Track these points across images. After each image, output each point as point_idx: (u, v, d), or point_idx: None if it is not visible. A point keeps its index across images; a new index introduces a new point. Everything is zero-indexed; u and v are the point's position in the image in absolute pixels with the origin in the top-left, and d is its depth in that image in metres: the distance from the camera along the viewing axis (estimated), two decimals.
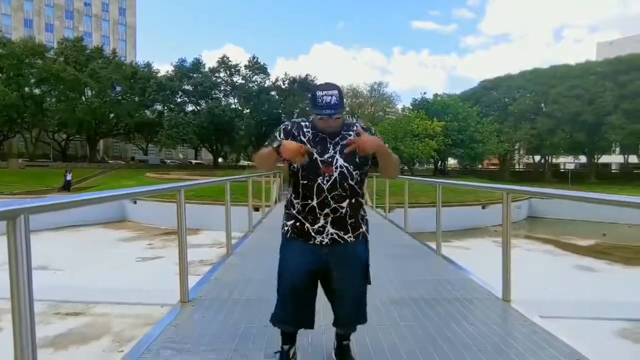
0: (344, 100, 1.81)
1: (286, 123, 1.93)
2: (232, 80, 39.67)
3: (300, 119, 1.91)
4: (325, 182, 1.80)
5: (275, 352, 2.06)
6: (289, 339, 2.03)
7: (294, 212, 1.89)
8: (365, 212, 1.97)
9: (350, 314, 1.94)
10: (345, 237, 1.86)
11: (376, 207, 10.15)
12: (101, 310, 5.69)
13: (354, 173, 1.83)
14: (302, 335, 2.15)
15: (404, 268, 4.30)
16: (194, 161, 52.03)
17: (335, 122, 1.79)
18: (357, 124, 1.90)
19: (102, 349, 4.58)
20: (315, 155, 1.81)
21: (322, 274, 1.89)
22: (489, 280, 3.50)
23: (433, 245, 4.96)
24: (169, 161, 50.33)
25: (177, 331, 2.48)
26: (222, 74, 39.55)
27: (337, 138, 1.83)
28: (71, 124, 35.36)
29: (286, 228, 1.92)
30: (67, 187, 24.23)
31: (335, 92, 1.74)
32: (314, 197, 1.81)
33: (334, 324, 2.01)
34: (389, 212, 8.69)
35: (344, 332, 2.08)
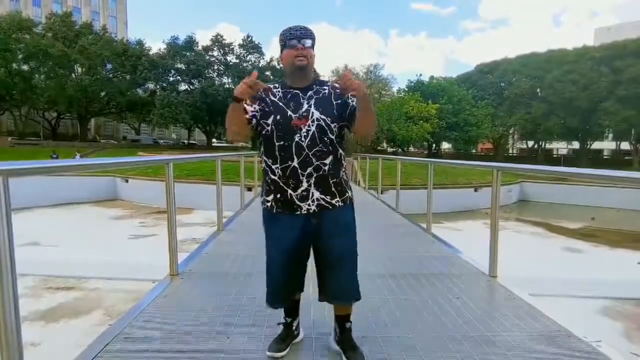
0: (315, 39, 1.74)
1: None
2: (226, 60, 38.91)
3: (268, 83, 1.76)
4: (303, 138, 1.68)
5: (279, 323, 2.00)
6: (291, 311, 1.97)
7: (275, 177, 1.74)
8: (347, 177, 1.88)
9: (343, 284, 1.78)
10: (333, 202, 1.75)
11: (369, 188, 10.19)
12: (93, 285, 5.70)
13: (332, 126, 1.72)
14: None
15: (393, 245, 4.34)
16: (186, 141, 51.54)
17: (306, 52, 1.68)
18: (330, 81, 1.86)
19: (92, 322, 4.62)
20: (290, 113, 1.70)
21: (313, 245, 1.79)
22: (477, 259, 3.55)
23: (424, 225, 5.01)
24: (162, 141, 49.79)
25: (166, 302, 2.49)
26: (215, 53, 38.76)
27: (311, 92, 1.74)
28: (61, 102, 34.65)
29: (268, 203, 1.79)
30: None
31: (305, 27, 1.72)
32: (294, 157, 1.68)
33: (323, 298, 1.86)
34: (382, 193, 8.73)
35: (339, 304, 1.88)
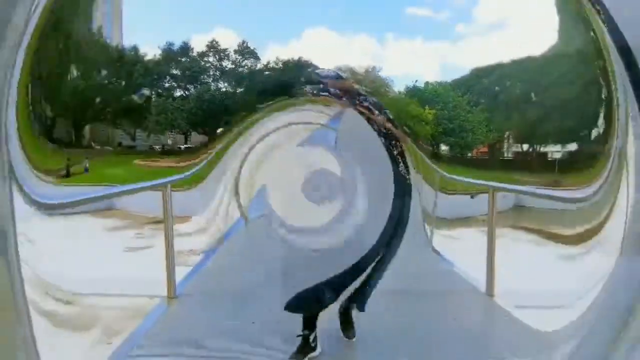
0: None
1: None
2: (222, 65, 39.11)
3: None
4: None
5: (298, 336, 2.14)
6: (308, 324, 2.13)
7: None
8: None
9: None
10: None
11: None
12: (88, 301, 5.62)
13: None
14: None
15: None
16: (183, 146, 51.26)
17: None
18: None
19: (90, 340, 4.56)
20: None
21: None
22: (474, 271, 3.53)
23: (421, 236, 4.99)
24: (157, 147, 49.64)
25: (164, 328, 2.48)
26: (211, 59, 38.96)
27: None
28: (56, 107, 34.60)
29: None
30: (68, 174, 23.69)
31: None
32: None
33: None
34: None
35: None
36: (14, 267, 1.22)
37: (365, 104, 1.95)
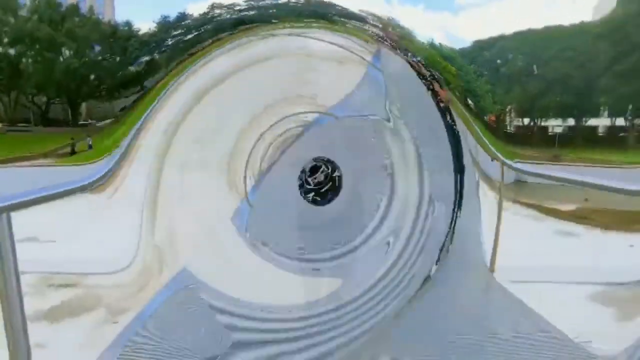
0: None
1: None
2: (232, 8, 38.09)
3: None
4: None
5: None
6: None
7: None
8: None
9: None
10: None
11: None
12: (94, 280, 5.68)
13: None
14: None
15: None
16: None
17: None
18: None
19: (96, 319, 4.63)
20: None
21: None
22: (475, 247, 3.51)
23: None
24: None
25: (172, 308, 2.50)
26: (217, 11, 37.90)
27: None
28: (49, 86, 34.00)
29: None
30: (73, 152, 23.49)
31: None
32: None
33: None
34: None
35: None
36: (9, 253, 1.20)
37: (415, 60, 1.93)
